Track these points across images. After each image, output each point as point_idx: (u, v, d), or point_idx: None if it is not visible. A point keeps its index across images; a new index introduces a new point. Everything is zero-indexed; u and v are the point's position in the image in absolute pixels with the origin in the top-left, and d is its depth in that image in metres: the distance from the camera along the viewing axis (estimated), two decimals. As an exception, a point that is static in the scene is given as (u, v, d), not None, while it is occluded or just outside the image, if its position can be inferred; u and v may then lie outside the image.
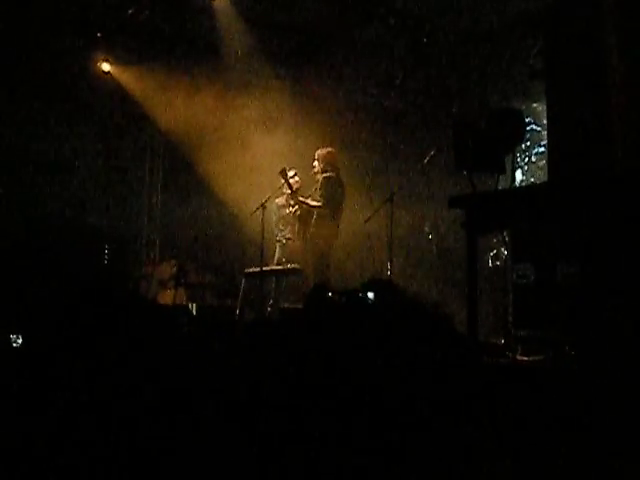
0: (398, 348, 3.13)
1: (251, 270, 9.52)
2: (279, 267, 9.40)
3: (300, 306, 7.96)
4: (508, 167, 5.37)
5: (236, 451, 3.01)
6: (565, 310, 5.18)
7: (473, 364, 3.96)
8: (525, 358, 5.25)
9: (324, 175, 8.99)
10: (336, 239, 9.01)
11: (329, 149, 9.26)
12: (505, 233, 6.41)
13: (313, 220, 8.92)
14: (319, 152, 9.22)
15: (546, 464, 3.16)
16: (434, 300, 8.33)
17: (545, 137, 9.72)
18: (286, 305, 8.93)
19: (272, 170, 9.49)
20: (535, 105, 10.04)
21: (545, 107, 8.67)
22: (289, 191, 9.14)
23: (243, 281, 9.63)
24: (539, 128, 10.26)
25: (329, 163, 9.11)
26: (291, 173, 9.29)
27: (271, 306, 9.39)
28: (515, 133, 4.98)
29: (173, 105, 11.31)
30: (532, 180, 10.45)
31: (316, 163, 9.17)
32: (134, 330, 3.26)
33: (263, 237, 9.14)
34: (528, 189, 6.77)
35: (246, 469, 2.95)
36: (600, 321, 4.70)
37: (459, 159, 4.94)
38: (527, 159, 10.57)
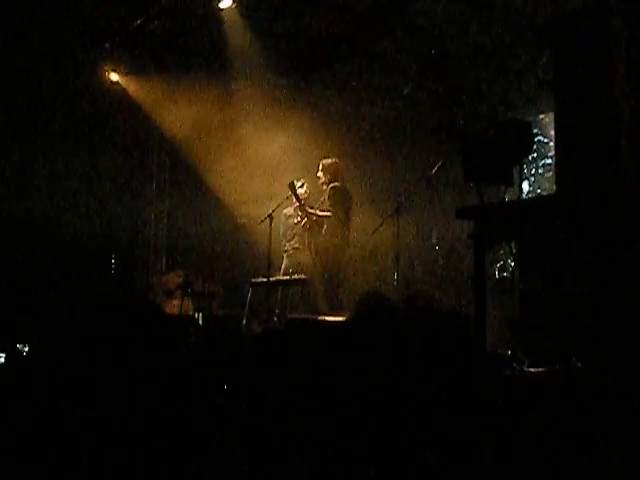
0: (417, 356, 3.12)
1: (258, 280, 9.51)
2: (286, 277, 9.38)
3: (306, 316, 7.96)
4: (515, 178, 5.36)
5: (239, 465, 3.01)
6: (573, 322, 5.16)
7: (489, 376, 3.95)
8: (532, 369, 5.22)
9: (331, 185, 9.02)
10: (348, 248, 9.02)
11: (334, 159, 9.29)
12: (513, 244, 6.40)
13: (324, 230, 8.94)
14: (324, 162, 9.26)
15: (552, 475, 3.15)
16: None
17: (552, 149, 9.71)
18: (293, 316, 8.91)
19: (279, 180, 9.52)
20: (542, 117, 10.04)
21: (552, 119, 8.66)
22: (297, 203, 9.15)
23: (250, 291, 9.62)
24: (546, 140, 10.26)
25: (334, 173, 9.16)
26: (299, 184, 9.30)
27: (277, 316, 9.38)
28: (523, 144, 4.98)
29: (181, 115, 11.32)
30: (539, 191, 10.44)
31: (321, 174, 9.21)
32: (144, 339, 3.26)
33: (270, 247, 9.14)
34: (536, 200, 6.77)
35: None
36: (608, 333, 4.69)
37: (468, 170, 4.93)
38: (534, 170, 10.57)
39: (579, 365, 4.90)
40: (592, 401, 3.62)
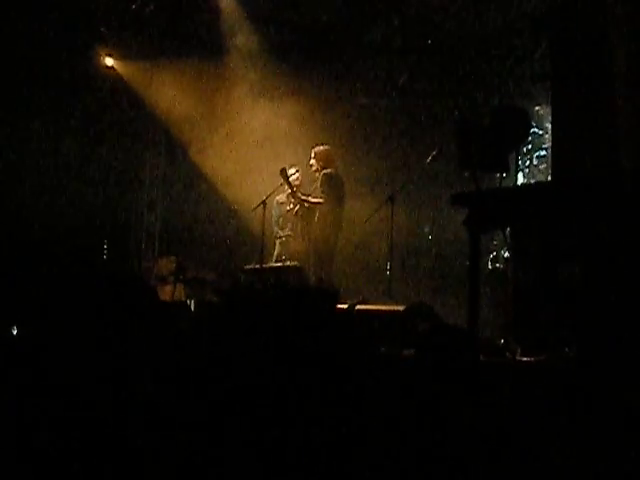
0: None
1: (250, 267, 9.50)
2: (278, 264, 9.37)
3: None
4: (511, 169, 5.35)
5: (236, 450, 3.00)
6: (565, 310, 5.17)
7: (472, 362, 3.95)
8: (524, 358, 5.23)
9: (324, 172, 9.05)
10: (340, 235, 9.04)
11: (325, 146, 9.31)
12: (507, 233, 6.39)
13: (316, 217, 8.98)
14: (316, 150, 9.28)
15: (545, 463, 3.15)
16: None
17: (547, 141, 9.73)
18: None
19: (273, 167, 9.48)
20: (537, 108, 10.05)
21: (548, 110, 8.67)
22: (290, 190, 9.16)
23: (242, 278, 9.60)
24: (541, 131, 10.27)
25: (327, 160, 9.18)
26: (292, 171, 9.31)
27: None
28: (519, 131, 4.97)
29: (175, 101, 11.29)
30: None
31: (313, 161, 9.24)
32: (138, 323, 3.25)
33: (263, 234, 9.13)
34: (531, 187, 6.75)
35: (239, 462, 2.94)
36: (600, 321, 4.69)
37: (463, 158, 4.92)
38: (529, 162, 10.59)
39: (571, 354, 4.90)
40: (584, 390, 3.62)
